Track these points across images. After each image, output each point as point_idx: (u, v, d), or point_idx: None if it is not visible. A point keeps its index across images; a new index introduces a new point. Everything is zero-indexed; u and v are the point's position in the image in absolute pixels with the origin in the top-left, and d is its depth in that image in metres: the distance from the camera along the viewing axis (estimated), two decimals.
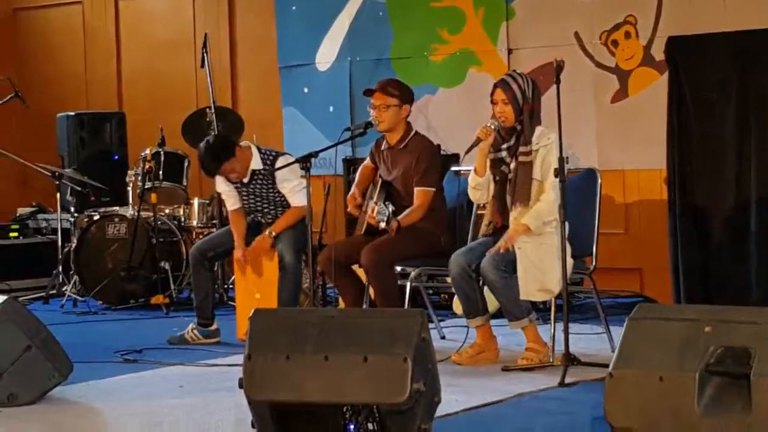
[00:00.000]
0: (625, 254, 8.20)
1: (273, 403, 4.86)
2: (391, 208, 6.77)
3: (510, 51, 8.86)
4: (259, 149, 7.50)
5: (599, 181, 6.84)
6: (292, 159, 7.32)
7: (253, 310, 5.29)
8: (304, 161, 6.97)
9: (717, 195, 7.31)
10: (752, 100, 7.17)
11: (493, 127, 6.35)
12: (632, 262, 8.23)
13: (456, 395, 5.44)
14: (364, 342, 4.78)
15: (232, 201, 7.59)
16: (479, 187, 6.51)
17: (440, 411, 4.94)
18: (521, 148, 6.27)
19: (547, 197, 6.18)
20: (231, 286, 8.13)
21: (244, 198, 7.56)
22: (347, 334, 4.86)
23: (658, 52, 8.07)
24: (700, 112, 7.32)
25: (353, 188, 7.19)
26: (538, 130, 6.29)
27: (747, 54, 7.20)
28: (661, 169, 7.65)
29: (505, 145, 6.35)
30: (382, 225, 6.77)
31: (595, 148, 8.39)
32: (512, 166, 6.33)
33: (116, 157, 10.34)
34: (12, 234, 10.36)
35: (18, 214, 10.73)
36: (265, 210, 7.54)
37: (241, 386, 4.87)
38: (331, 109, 9.49)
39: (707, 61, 7.36)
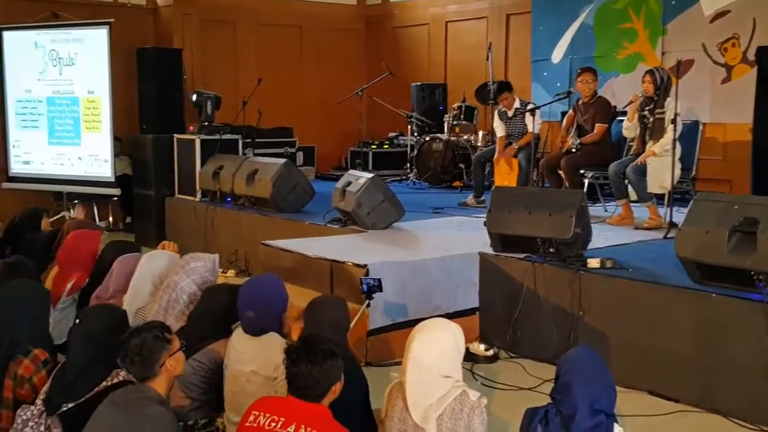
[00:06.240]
0: (722, 171, 7.86)
1: (501, 235, 5.16)
2: (578, 140, 6.89)
3: (663, 53, 8.50)
4: (518, 99, 7.72)
5: (701, 127, 6.70)
6: (533, 107, 7.51)
7: (494, 187, 5.68)
8: (533, 111, 7.21)
9: None
10: None
11: (639, 94, 6.31)
12: (726, 175, 7.86)
13: (603, 237, 5.55)
14: (550, 205, 4.98)
15: (500, 131, 7.75)
16: (628, 128, 6.48)
17: (592, 245, 5.13)
18: (657, 110, 6.18)
19: (666, 136, 6.09)
20: (492, 178, 8.21)
21: (508, 126, 7.70)
22: (543, 201, 5.05)
23: (751, 56, 7.63)
24: None
25: (563, 128, 7.20)
26: (668, 99, 6.17)
27: None
28: (748, 122, 7.20)
29: (647, 108, 6.28)
30: (573, 149, 6.92)
31: (709, 110, 8.01)
32: (651, 120, 6.24)
33: (441, 108, 10.52)
34: (385, 146, 10.78)
35: (389, 136, 11.17)
36: (516, 135, 7.66)
37: (485, 225, 5.26)
38: (558, 84, 9.39)
39: None
